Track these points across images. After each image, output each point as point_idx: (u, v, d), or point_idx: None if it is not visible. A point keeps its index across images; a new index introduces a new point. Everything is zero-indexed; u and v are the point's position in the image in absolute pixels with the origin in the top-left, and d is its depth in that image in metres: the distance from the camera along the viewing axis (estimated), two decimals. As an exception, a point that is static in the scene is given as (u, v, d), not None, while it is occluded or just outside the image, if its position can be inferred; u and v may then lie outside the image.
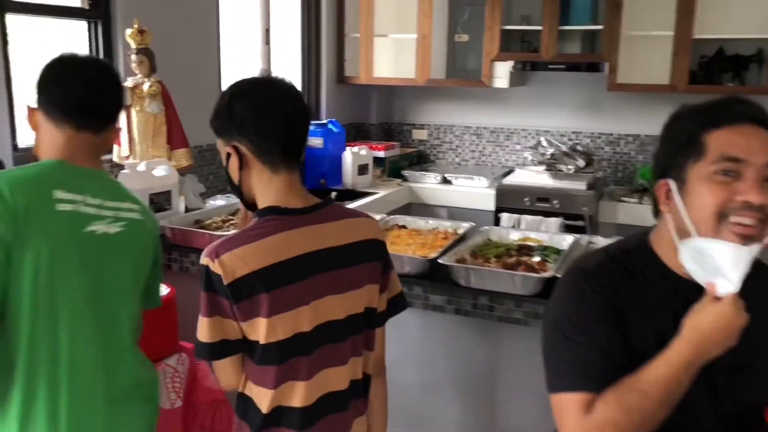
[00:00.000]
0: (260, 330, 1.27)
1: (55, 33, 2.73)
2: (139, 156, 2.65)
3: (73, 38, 2.73)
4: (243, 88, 1.35)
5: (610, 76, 3.76)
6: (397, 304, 1.49)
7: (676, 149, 1.11)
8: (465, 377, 2.17)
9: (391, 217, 2.59)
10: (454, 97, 4.57)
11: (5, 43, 2.40)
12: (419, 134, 4.74)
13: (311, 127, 2.34)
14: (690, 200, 1.08)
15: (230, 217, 2.65)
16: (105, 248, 1.39)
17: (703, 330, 1.04)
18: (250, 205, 1.39)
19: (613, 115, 4.19)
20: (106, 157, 2.20)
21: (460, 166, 4.60)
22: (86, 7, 2.74)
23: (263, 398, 1.30)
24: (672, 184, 1.11)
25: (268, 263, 1.26)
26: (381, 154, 4.13)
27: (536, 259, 2.08)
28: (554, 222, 3.63)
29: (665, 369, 1.05)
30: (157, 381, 1.59)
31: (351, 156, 3.77)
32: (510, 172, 4.15)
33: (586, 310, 1.13)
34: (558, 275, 1.87)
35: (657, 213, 1.19)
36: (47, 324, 1.30)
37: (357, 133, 4.58)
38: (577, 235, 2.32)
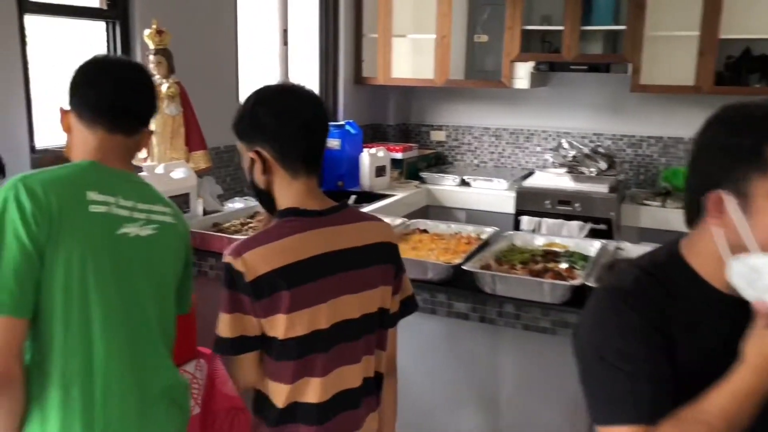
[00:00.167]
0: (279, 326, 1.31)
1: (73, 34, 2.70)
2: (157, 158, 2.63)
3: (92, 39, 2.72)
4: (266, 94, 1.40)
5: (633, 77, 3.71)
6: (408, 306, 1.54)
7: (732, 161, 1.03)
8: (488, 386, 2.12)
9: (412, 221, 2.55)
10: (472, 98, 4.51)
11: (24, 44, 2.39)
12: (437, 135, 4.69)
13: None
14: (759, 218, 1.01)
15: (249, 221, 2.61)
16: (137, 251, 1.37)
17: None
18: (271, 208, 1.43)
19: (635, 117, 4.13)
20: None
21: (479, 167, 4.54)
22: (104, 7, 2.73)
23: (279, 394, 1.35)
24: (727, 198, 1.03)
25: (289, 262, 1.31)
26: (399, 155, 4.08)
27: (563, 265, 2.04)
28: (575, 225, 3.57)
29: (730, 398, 0.98)
30: (187, 386, 1.56)
31: (368, 158, 3.72)
32: (530, 174, 4.09)
33: (629, 333, 1.05)
34: (588, 283, 1.82)
35: (691, 222, 1.12)
36: (80, 328, 1.28)
37: (374, 135, 4.55)
38: (604, 241, 2.27)
